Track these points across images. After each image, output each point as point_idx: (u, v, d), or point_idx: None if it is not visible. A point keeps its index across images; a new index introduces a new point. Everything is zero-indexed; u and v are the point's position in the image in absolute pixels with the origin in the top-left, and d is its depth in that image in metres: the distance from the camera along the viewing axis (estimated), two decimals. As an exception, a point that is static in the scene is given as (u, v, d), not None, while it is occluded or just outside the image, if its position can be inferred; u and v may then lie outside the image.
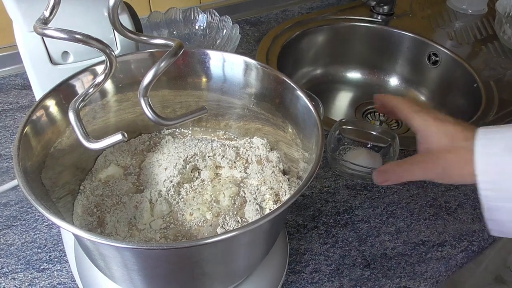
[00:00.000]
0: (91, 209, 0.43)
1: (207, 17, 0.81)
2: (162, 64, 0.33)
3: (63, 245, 0.51)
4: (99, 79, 0.35)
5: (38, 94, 0.49)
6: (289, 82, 0.44)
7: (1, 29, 0.74)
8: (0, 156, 0.63)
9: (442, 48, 0.89)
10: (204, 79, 0.48)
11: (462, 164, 0.40)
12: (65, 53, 0.46)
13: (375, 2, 0.96)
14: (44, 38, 0.44)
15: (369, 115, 0.91)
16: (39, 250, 0.51)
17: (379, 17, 0.98)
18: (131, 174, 0.47)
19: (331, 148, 0.63)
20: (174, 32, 0.81)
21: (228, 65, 0.47)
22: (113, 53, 0.34)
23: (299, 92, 0.43)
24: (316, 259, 0.52)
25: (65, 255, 0.50)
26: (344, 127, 0.65)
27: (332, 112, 0.93)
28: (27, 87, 0.75)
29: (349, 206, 0.58)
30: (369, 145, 0.65)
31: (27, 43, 0.44)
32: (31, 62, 0.45)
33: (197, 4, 0.93)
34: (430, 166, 0.43)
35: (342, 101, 0.97)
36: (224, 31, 0.79)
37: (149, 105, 0.33)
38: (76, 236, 0.38)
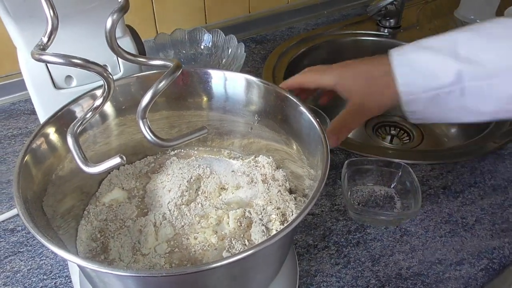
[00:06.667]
0: (95, 235, 0.43)
1: (212, 37, 0.81)
2: (160, 85, 0.32)
3: (68, 271, 0.50)
4: (97, 102, 0.35)
5: (42, 118, 0.49)
6: (291, 98, 0.43)
7: (10, 56, 0.76)
8: (9, 181, 0.63)
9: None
10: (205, 98, 0.48)
11: (385, 87, 0.44)
12: (68, 77, 0.46)
13: (380, 17, 0.96)
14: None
15: (379, 129, 0.89)
16: (45, 277, 0.50)
17: (385, 31, 0.97)
18: (135, 197, 0.47)
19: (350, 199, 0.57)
20: (181, 53, 0.82)
21: (230, 83, 0.47)
22: (111, 76, 0.33)
23: (302, 108, 0.42)
24: (328, 280, 0.50)
25: (70, 282, 0.49)
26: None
27: (342, 127, 0.92)
28: (36, 112, 0.76)
29: (361, 224, 0.56)
30: (392, 185, 0.60)
31: (30, 69, 0.44)
32: (35, 87, 0.45)
33: (203, 24, 0.93)
34: (359, 111, 0.46)
35: (351, 116, 0.95)
36: (230, 50, 0.79)
37: (148, 127, 0.32)
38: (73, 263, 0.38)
